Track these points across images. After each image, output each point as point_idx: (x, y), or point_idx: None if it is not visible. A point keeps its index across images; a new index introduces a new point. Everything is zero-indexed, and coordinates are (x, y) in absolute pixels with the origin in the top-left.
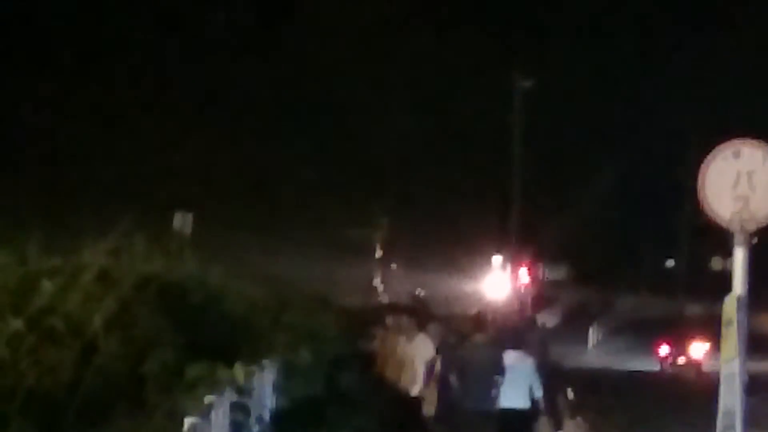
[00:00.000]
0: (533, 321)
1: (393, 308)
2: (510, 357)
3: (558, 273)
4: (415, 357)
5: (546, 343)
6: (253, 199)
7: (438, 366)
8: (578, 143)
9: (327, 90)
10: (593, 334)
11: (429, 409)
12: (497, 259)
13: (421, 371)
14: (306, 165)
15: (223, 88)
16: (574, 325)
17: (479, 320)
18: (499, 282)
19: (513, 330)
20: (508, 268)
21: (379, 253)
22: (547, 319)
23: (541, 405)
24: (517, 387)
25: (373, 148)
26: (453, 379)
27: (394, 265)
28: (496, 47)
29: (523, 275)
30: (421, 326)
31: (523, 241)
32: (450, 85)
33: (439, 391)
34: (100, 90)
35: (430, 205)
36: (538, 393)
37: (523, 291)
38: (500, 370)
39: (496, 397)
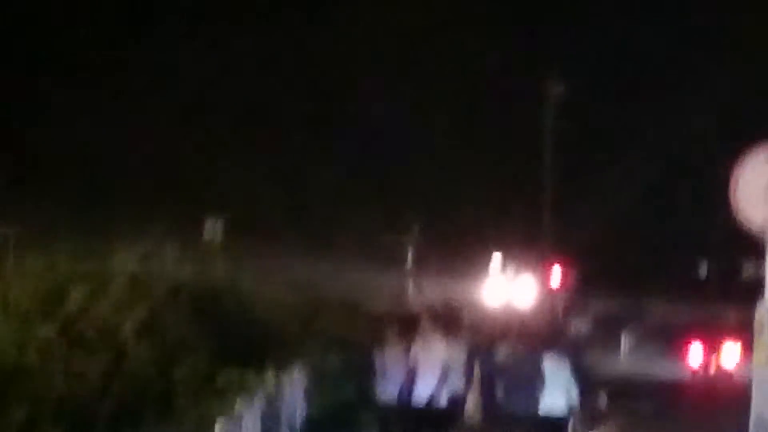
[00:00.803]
0: (567, 326)
1: (427, 314)
2: (547, 362)
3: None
4: (450, 362)
5: (581, 349)
6: (285, 205)
7: (477, 371)
8: (609, 147)
9: (357, 95)
10: (625, 341)
11: (475, 415)
12: (497, 257)
13: (455, 377)
14: (338, 170)
15: (253, 93)
16: (606, 331)
17: (512, 326)
18: (498, 285)
19: (547, 335)
20: (509, 270)
21: (411, 259)
22: (580, 325)
23: (576, 411)
24: (555, 393)
25: (404, 154)
26: (496, 384)
27: (424, 271)
28: (527, 51)
29: (555, 280)
30: (455, 332)
31: (554, 247)
32: (480, 88)
33: (483, 397)
34: (133, 95)
35: (460, 211)
36: (574, 399)
37: (555, 296)
38: (540, 376)
39: (537, 403)
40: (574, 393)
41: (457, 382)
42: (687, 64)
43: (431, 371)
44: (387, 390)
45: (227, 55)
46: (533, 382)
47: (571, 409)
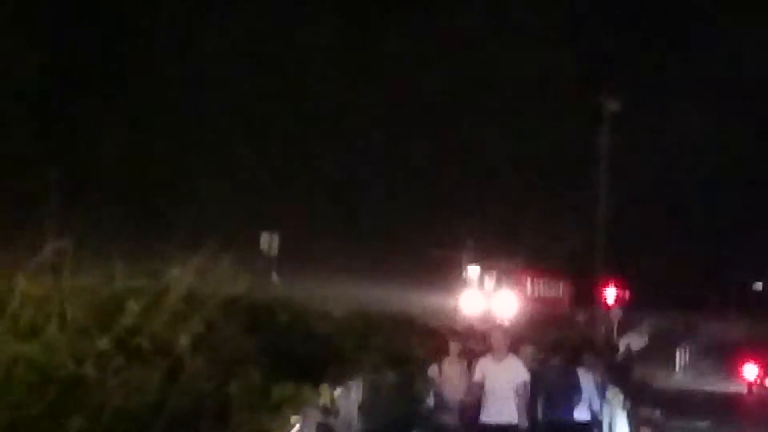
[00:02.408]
0: (611, 345)
1: (492, 330)
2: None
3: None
4: (507, 380)
5: (629, 367)
6: (340, 220)
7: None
8: (662, 168)
9: (407, 110)
10: (680, 356)
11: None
12: (473, 270)
13: (513, 395)
14: (393, 187)
15: (306, 106)
16: (662, 347)
17: (558, 344)
18: (474, 297)
19: (573, 350)
20: (486, 281)
21: (464, 274)
22: (636, 341)
23: (600, 416)
24: (581, 401)
25: (456, 172)
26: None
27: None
28: (584, 69)
29: (611, 299)
30: (513, 348)
31: (610, 265)
32: (536, 105)
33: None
34: (187, 111)
35: (512, 227)
36: (596, 406)
37: (610, 315)
38: (576, 389)
39: (570, 411)
40: (595, 399)
41: (522, 399)
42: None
43: (493, 388)
44: (445, 406)
45: (280, 76)
46: (567, 393)
47: (593, 414)
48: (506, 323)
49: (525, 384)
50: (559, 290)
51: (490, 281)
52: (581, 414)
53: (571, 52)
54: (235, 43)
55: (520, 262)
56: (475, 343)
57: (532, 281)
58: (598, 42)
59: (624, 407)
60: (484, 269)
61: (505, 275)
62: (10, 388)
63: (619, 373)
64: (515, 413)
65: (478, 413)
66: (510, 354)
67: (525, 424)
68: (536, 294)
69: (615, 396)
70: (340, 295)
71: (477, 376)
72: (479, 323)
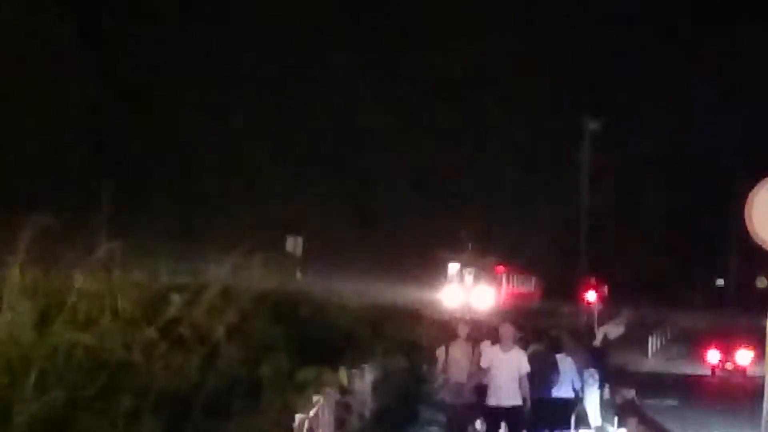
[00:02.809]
0: (591, 333)
1: (499, 320)
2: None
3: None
4: (512, 368)
5: (606, 352)
6: (356, 224)
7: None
8: (635, 174)
9: (409, 122)
10: (653, 344)
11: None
12: (453, 267)
13: (517, 382)
14: (404, 195)
15: (328, 114)
16: (636, 335)
17: (541, 332)
18: (454, 291)
19: (554, 338)
20: (466, 277)
21: (465, 274)
22: (613, 330)
23: (581, 394)
24: (564, 381)
25: (462, 182)
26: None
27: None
28: (568, 87)
29: (591, 295)
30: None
31: (590, 265)
32: (523, 123)
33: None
34: (222, 121)
35: (505, 233)
36: (578, 385)
37: (590, 307)
38: (556, 371)
39: (549, 391)
40: (577, 380)
41: (524, 386)
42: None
43: (499, 375)
44: (450, 385)
45: (308, 88)
46: (548, 374)
47: (575, 392)
48: (482, 314)
49: (527, 374)
50: (531, 285)
51: (468, 277)
52: (565, 392)
53: (558, 75)
54: (265, 57)
55: (496, 260)
56: (481, 330)
57: (507, 277)
58: (583, 65)
59: (597, 386)
60: (464, 266)
61: (482, 272)
62: (68, 371)
63: (597, 358)
64: (519, 397)
65: (484, 396)
66: (515, 346)
67: (528, 406)
68: (510, 288)
69: (590, 377)
70: (355, 290)
71: (485, 362)
72: (459, 314)
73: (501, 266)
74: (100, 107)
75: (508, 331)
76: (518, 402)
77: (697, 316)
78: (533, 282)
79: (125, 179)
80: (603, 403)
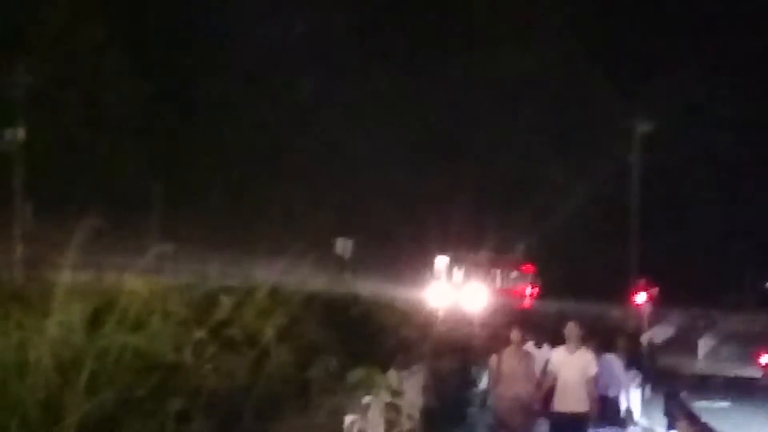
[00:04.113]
0: (638, 334)
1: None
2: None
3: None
4: (579, 371)
5: (651, 353)
6: (404, 227)
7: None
8: (687, 174)
9: (461, 126)
10: (702, 346)
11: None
12: (441, 260)
13: (584, 385)
14: (455, 198)
15: (377, 119)
16: (686, 337)
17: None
18: (442, 289)
19: (605, 339)
20: (455, 274)
21: (515, 275)
22: (662, 332)
23: (627, 393)
24: (613, 380)
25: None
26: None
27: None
28: (618, 89)
29: (641, 297)
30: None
31: (642, 268)
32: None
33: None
34: (274, 123)
35: (557, 235)
36: (624, 384)
37: (639, 309)
38: (605, 371)
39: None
40: (625, 382)
41: (592, 389)
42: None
43: (566, 378)
44: (504, 394)
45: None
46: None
47: (622, 392)
48: (474, 315)
49: (595, 376)
50: (526, 282)
51: (458, 273)
52: (613, 392)
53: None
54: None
55: (489, 254)
56: (538, 333)
57: (501, 273)
58: (634, 64)
59: (640, 386)
60: (453, 261)
61: (474, 268)
62: (119, 372)
63: (641, 358)
64: (586, 402)
65: (550, 402)
66: (582, 347)
67: (594, 412)
68: (504, 286)
69: (634, 377)
70: (404, 292)
71: (551, 367)
72: (447, 315)
73: (492, 261)
74: (150, 108)
75: (573, 330)
76: (585, 407)
77: (748, 318)
78: (528, 279)
79: (176, 181)
80: (645, 403)
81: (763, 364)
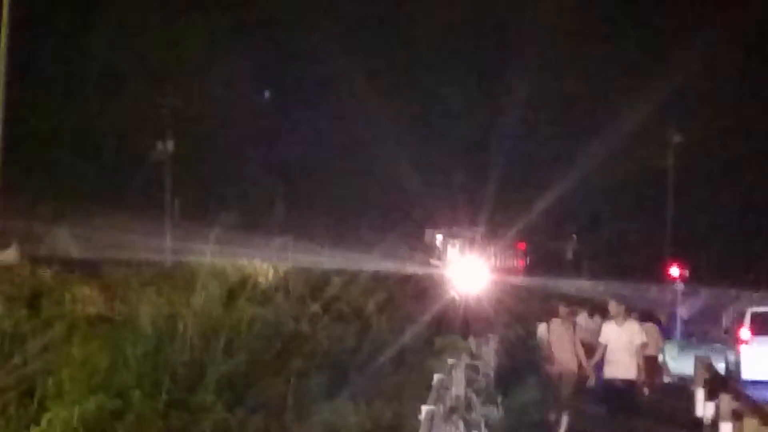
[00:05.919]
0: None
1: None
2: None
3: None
4: (627, 341)
5: (686, 325)
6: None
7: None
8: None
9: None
10: (725, 320)
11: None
12: (436, 238)
13: (633, 354)
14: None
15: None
16: (710, 313)
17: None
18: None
19: (647, 310)
20: (449, 250)
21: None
22: (692, 307)
23: (665, 355)
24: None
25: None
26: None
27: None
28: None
29: (675, 270)
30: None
31: (674, 249)
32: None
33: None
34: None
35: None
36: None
37: (673, 283)
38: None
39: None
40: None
41: (641, 358)
42: None
43: (615, 348)
44: (553, 361)
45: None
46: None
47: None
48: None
49: (642, 345)
50: (518, 259)
51: (452, 250)
52: (650, 351)
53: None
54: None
55: (483, 231)
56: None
57: (495, 251)
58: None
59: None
60: (447, 238)
61: (468, 244)
62: (250, 340)
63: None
64: (635, 370)
65: (602, 370)
66: (629, 318)
67: (642, 379)
68: (498, 263)
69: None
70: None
71: (602, 338)
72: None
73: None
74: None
75: (615, 307)
76: (634, 375)
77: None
78: (521, 256)
79: (296, 180)
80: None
81: None
